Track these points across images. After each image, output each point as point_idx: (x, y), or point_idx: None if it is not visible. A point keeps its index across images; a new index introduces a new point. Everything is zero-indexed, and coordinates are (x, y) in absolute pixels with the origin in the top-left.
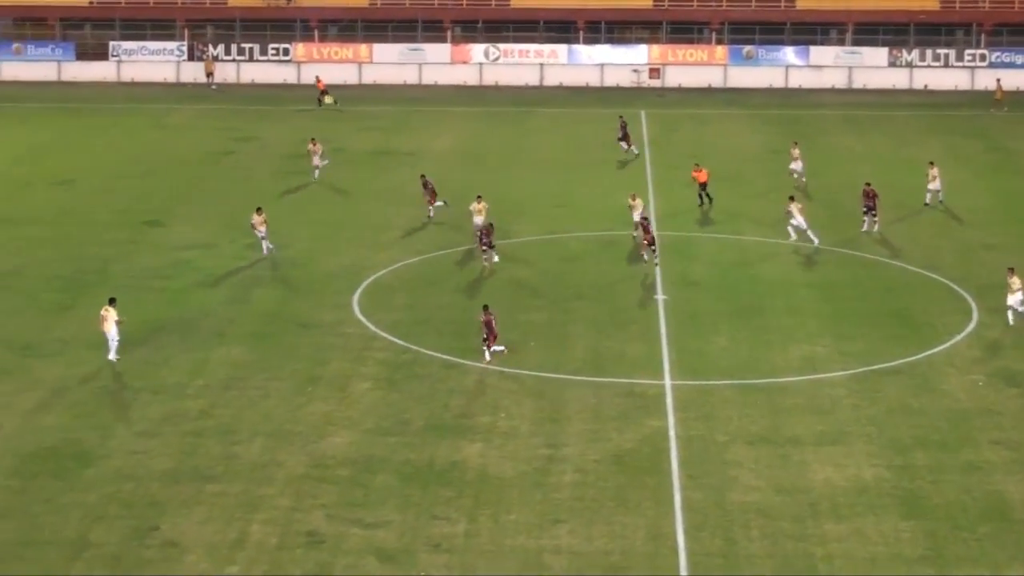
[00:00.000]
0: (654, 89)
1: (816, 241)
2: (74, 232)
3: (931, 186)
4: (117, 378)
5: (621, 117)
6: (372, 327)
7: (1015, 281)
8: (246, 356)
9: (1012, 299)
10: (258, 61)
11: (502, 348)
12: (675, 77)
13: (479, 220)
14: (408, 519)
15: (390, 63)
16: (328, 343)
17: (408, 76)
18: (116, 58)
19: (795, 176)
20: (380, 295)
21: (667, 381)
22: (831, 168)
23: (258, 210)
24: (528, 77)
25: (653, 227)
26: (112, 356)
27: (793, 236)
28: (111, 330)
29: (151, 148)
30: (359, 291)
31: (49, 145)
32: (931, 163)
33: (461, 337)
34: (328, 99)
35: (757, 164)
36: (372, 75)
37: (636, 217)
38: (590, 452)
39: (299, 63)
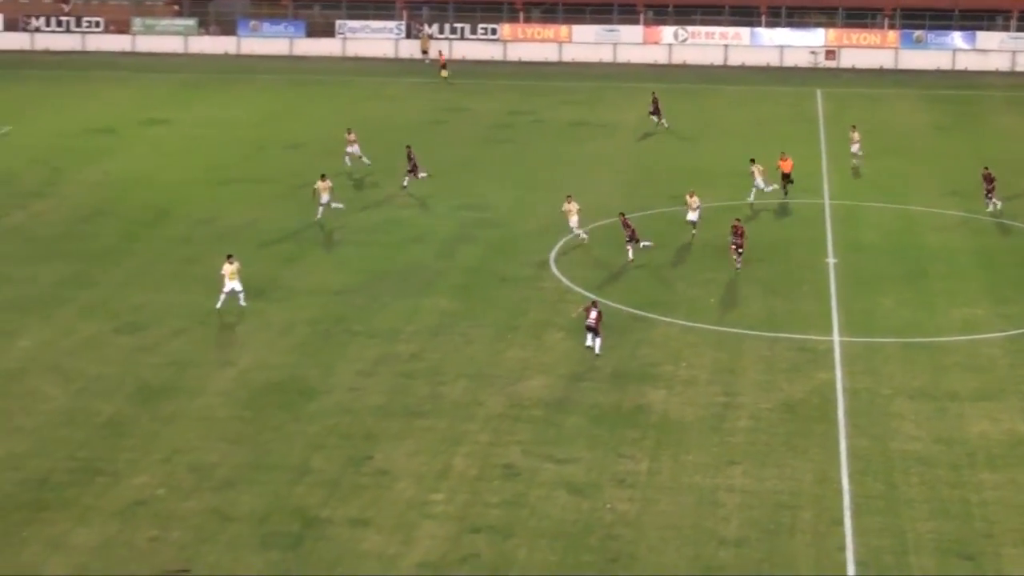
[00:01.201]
0: (829, 70)
1: (769, 188)
2: (303, 191)
3: None
4: (339, 322)
5: (653, 93)
6: (566, 282)
7: None
8: (452, 306)
9: None
10: (468, 40)
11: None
12: (849, 59)
13: (573, 221)
14: (596, 456)
15: (587, 43)
16: (526, 296)
17: (603, 55)
18: (342, 35)
19: (855, 158)
20: (574, 253)
21: (836, 338)
22: (993, 145)
23: (322, 176)
24: (713, 57)
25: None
26: (242, 302)
27: (753, 196)
28: (234, 282)
29: (371, 116)
30: (555, 249)
31: (281, 112)
32: None
33: (648, 293)
34: (445, 72)
35: (924, 140)
36: (571, 54)
37: (690, 217)
38: (763, 401)
39: (505, 42)
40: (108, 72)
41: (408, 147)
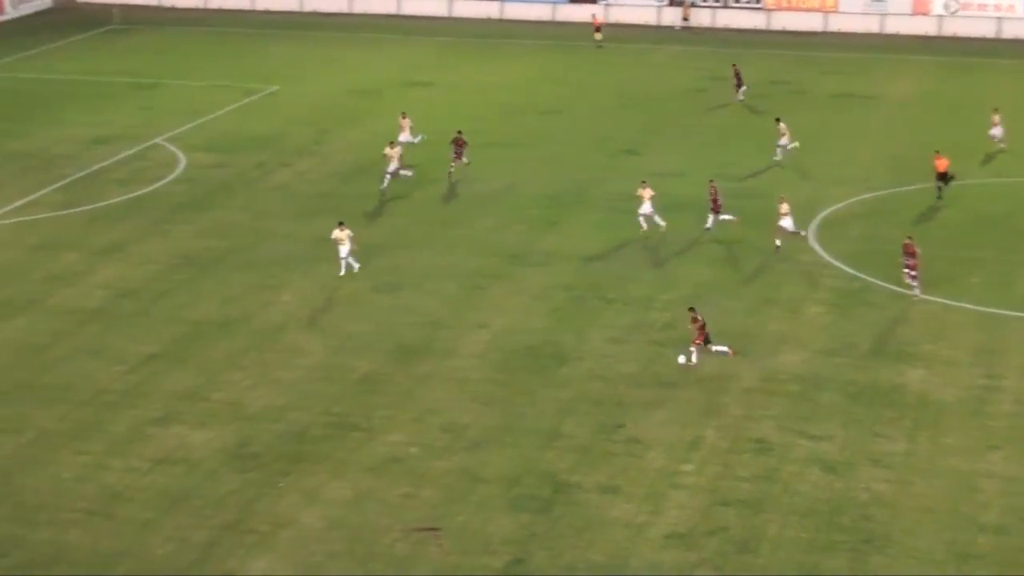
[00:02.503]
0: None
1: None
2: (559, 156)
3: None
4: (593, 288)
5: (735, 65)
6: (825, 256)
7: None
8: (707, 275)
9: None
10: (731, 8)
11: (725, 348)
12: None
13: (647, 207)
14: (851, 435)
15: (854, 13)
16: (783, 269)
17: (871, 25)
18: (604, 2)
19: (995, 141)
20: (834, 227)
21: None
22: None
23: (391, 143)
24: (984, 30)
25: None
26: (355, 266)
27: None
28: (346, 248)
29: (631, 84)
30: (815, 222)
31: (540, 78)
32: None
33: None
34: (599, 36)
35: None
36: (837, 24)
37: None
38: None
39: (769, 11)
40: (374, 34)
41: (458, 131)
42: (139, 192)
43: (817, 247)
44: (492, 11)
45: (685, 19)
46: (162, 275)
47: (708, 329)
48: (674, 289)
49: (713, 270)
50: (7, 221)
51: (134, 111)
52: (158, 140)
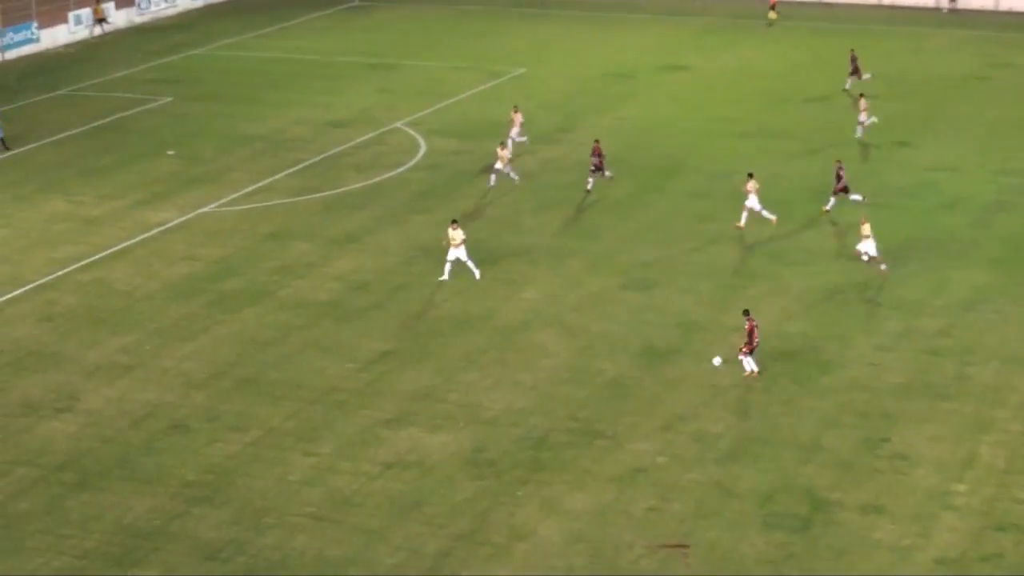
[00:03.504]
0: None
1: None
2: (825, 147)
3: None
4: (859, 290)
5: (852, 50)
6: None
7: None
8: (987, 280)
9: None
10: None
11: (752, 369)
12: None
13: (753, 201)
14: None
15: None
16: None
17: None
18: None
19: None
20: None
21: None
22: None
23: (501, 144)
24: None
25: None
26: (476, 272)
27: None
28: (459, 250)
29: (905, 71)
30: None
31: (807, 63)
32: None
33: None
34: (773, 15)
35: None
36: None
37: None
38: None
39: None
40: (627, 14)
41: (596, 141)
42: (377, 179)
43: None
44: None
45: (952, 1)
46: (398, 267)
47: (758, 339)
48: (948, 293)
49: (993, 273)
50: (238, 207)
51: (373, 93)
52: (398, 124)
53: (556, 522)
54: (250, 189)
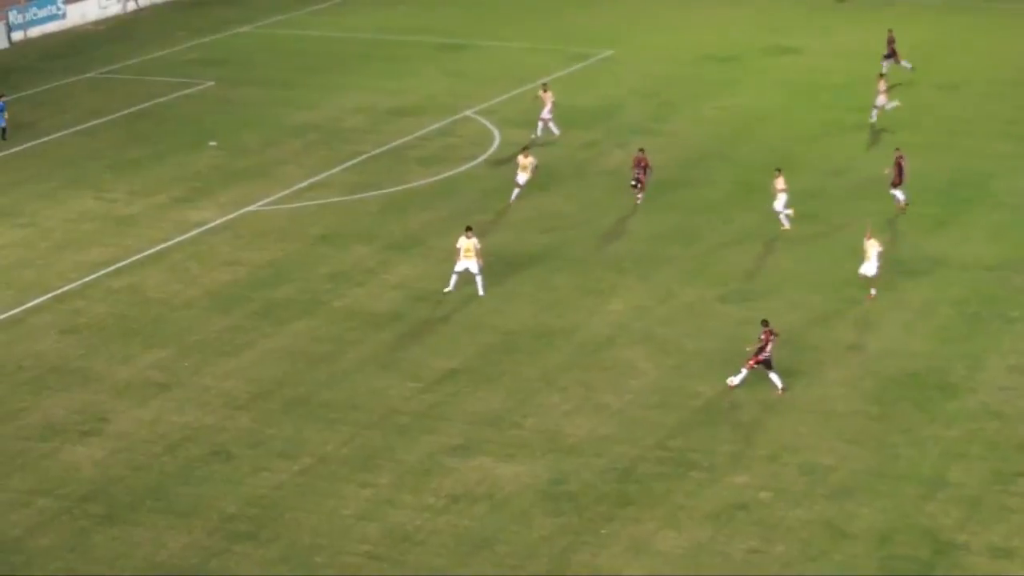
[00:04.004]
0: None
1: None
2: (954, 141)
3: None
4: (991, 304)
5: (890, 31)
6: None
7: None
8: None
9: None
10: None
11: (732, 382)
12: None
13: (781, 202)
14: None
15: None
16: None
17: None
18: None
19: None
20: None
21: None
22: None
23: (524, 150)
24: None
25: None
26: (481, 291)
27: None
28: (470, 261)
29: None
30: None
31: (936, 45)
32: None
33: None
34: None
35: None
36: None
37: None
38: None
39: None
40: None
41: (640, 150)
42: (445, 174)
43: None
44: None
45: None
46: (468, 274)
47: (768, 353)
48: None
49: None
50: (289, 205)
51: (440, 77)
52: (468, 112)
53: (644, 564)
54: (302, 185)
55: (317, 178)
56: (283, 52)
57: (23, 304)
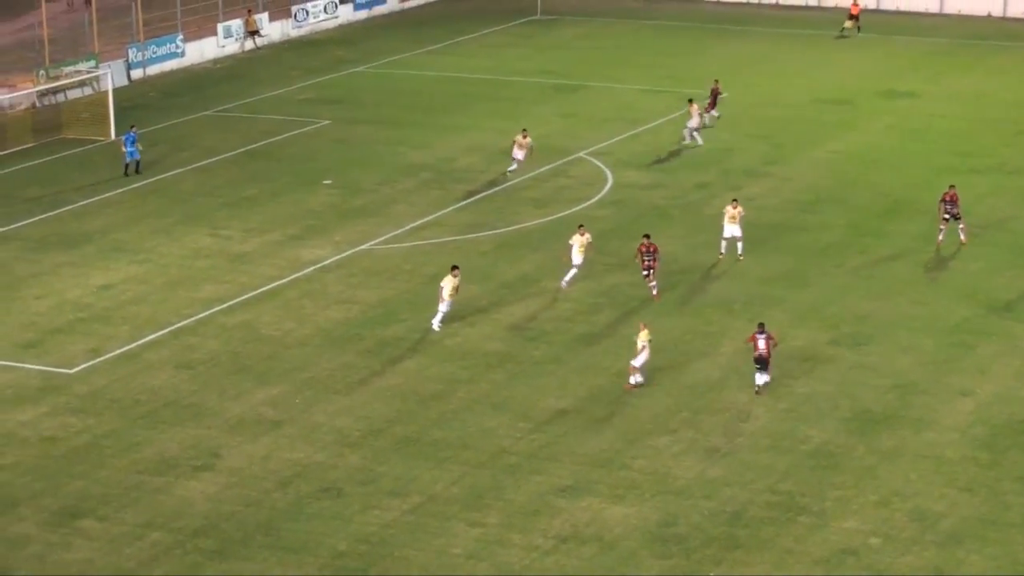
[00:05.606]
0: None
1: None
2: None
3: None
4: None
5: (716, 81)
6: None
7: None
8: None
9: None
10: None
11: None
12: None
13: (733, 230)
14: None
15: None
16: None
17: None
18: None
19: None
20: None
21: None
22: None
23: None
24: None
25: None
26: (436, 325)
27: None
28: (448, 304)
29: None
30: None
31: None
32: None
33: None
34: (849, 24)
35: None
36: None
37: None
38: None
39: None
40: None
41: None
42: (558, 215)
43: None
44: (994, 7)
45: None
46: (579, 315)
47: (767, 350)
48: None
49: None
50: (401, 245)
51: (554, 118)
52: (582, 154)
53: None
54: (415, 224)
55: (430, 217)
56: (397, 92)
57: (139, 339)
